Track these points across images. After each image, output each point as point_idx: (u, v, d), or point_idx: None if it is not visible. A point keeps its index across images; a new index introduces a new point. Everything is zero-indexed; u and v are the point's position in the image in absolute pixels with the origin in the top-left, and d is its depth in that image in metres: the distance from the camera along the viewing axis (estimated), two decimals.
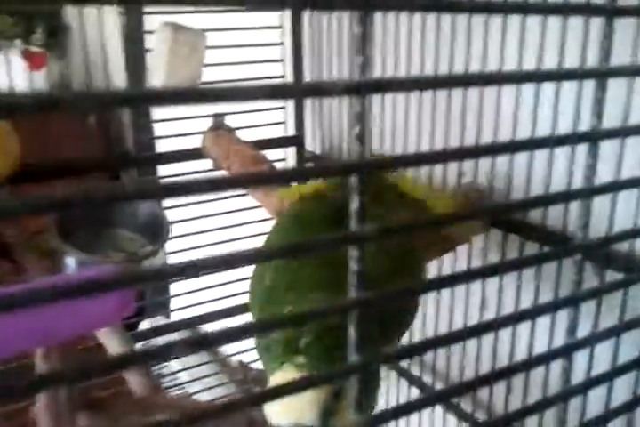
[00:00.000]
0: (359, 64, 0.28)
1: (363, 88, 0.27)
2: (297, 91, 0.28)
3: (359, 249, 0.30)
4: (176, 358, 1.69)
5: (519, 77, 0.37)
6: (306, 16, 1.46)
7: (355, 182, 0.29)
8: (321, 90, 0.27)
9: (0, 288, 0.69)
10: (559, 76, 0.37)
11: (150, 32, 1.32)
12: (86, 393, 1.02)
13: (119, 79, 1.54)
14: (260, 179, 0.27)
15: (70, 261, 1.15)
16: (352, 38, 0.26)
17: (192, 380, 1.77)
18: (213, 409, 0.26)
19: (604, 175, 0.77)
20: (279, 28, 1.43)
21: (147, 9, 1.42)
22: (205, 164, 1.26)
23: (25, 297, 0.22)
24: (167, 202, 1.38)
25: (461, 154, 0.33)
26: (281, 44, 1.45)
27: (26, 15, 2.99)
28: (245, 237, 1.42)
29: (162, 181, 0.25)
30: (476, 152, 0.34)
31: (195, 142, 1.38)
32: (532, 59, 0.90)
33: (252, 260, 0.27)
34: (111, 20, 1.38)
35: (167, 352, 0.26)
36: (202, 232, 1.36)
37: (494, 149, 0.35)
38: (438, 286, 0.34)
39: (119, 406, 0.95)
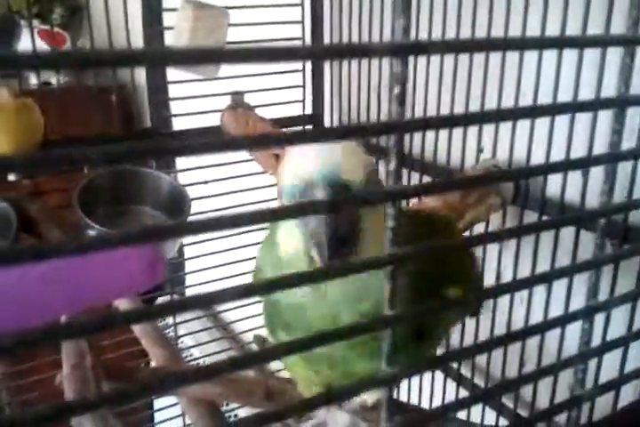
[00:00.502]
0: (401, 26, 0.29)
1: (403, 49, 0.29)
2: (340, 50, 0.29)
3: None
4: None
5: (543, 43, 0.38)
6: None
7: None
8: (365, 50, 0.28)
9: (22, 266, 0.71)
10: (584, 43, 0.38)
11: (170, 10, 1.32)
12: (109, 364, 1.05)
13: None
14: (289, 139, 0.28)
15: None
16: (394, 2, 0.28)
17: (204, 355, 1.80)
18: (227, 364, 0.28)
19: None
20: (299, 5, 1.44)
21: None
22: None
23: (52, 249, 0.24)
24: (186, 179, 1.40)
25: (491, 116, 0.34)
26: (301, 22, 1.45)
27: None
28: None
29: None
30: (502, 116, 0.35)
31: (213, 120, 1.39)
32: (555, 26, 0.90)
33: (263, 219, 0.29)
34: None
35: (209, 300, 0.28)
36: (221, 209, 1.38)
37: (517, 113, 0.37)
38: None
39: (141, 375, 0.97)
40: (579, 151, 0.91)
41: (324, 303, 0.59)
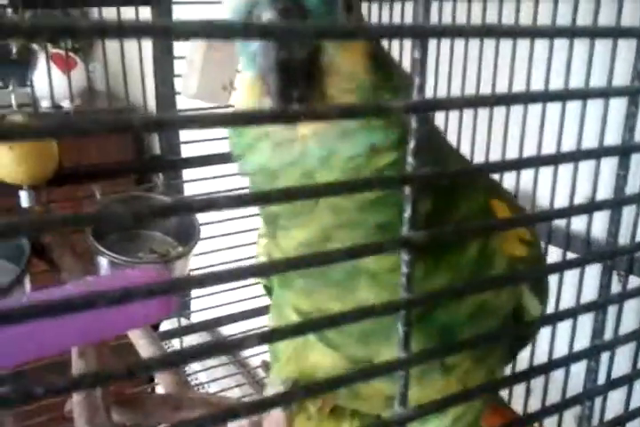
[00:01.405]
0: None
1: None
2: (351, 111, 0.31)
3: (409, 253, 0.33)
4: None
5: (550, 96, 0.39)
6: None
7: (407, 192, 0.32)
8: (383, 107, 0.29)
9: (39, 291, 0.73)
10: (589, 93, 0.40)
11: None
12: (119, 390, 1.06)
13: (149, 82, 1.57)
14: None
15: (103, 262, 1.19)
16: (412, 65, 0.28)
17: (211, 380, 1.80)
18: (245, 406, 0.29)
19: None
20: None
21: (176, 17, 1.47)
22: (229, 168, 1.29)
23: (63, 305, 0.25)
24: None
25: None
26: None
27: (53, 17, 3.05)
28: None
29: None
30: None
31: (220, 147, 1.41)
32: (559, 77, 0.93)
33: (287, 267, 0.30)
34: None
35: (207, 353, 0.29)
36: (229, 234, 1.40)
37: (521, 163, 0.38)
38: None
39: (150, 402, 0.98)
40: (585, 186, 0.92)
41: (294, 160, 0.48)
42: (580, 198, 0.96)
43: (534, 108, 0.99)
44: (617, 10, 0.86)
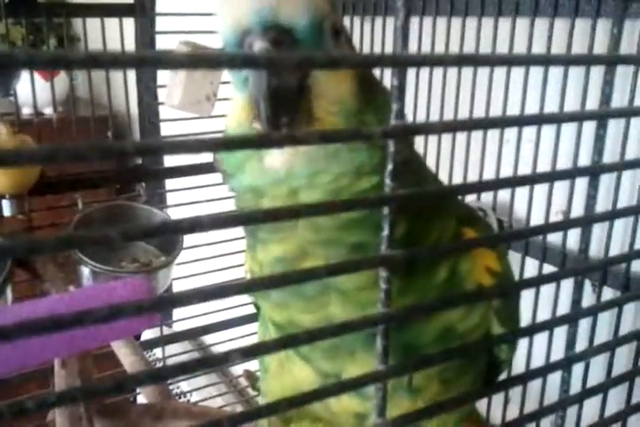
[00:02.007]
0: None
1: (396, 132, 0.32)
2: (332, 134, 0.32)
3: (387, 271, 0.34)
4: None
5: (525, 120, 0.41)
6: None
7: (386, 212, 0.33)
8: (356, 133, 0.31)
9: (24, 304, 0.73)
10: (562, 118, 0.41)
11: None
12: (101, 400, 1.06)
13: (132, 91, 1.58)
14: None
15: (85, 271, 1.19)
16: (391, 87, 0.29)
17: (193, 389, 1.80)
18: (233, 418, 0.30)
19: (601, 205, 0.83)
20: None
21: (159, 28, 1.48)
22: (211, 178, 1.30)
23: (48, 323, 0.26)
24: (177, 214, 1.42)
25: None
26: None
27: (37, 26, 3.05)
28: None
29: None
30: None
31: (202, 158, 1.42)
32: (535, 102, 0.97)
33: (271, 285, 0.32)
34: (118, 31, 1.43)
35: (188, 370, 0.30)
36: (212, 243, 1.40)
37: (499, 183, 0.40)
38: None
39: (133, 411, 0.98)
40: (560, 196, 0.95)
41: (280, 179, 0.50)
42: (556, 207, 0.99)
43: (511, 130, 1.02)
44: (589, 36, 0.90)
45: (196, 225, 0.28)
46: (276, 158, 0.49)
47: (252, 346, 0.31)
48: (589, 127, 0.91)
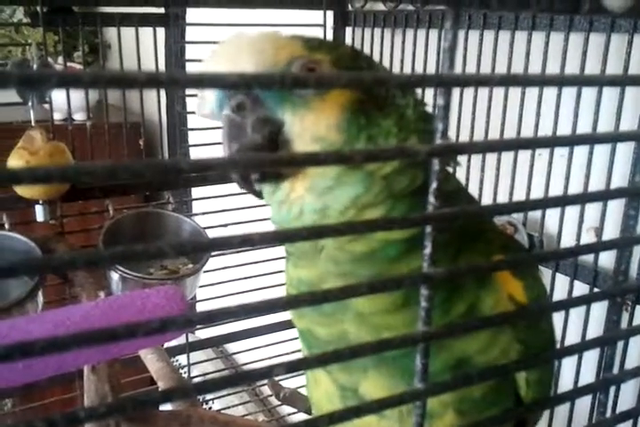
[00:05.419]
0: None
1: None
2: (385, 151, 0.32)
3: (428, 289, 0.34)
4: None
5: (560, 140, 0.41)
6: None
7: (428, 230, 0.34)
8: (401, 151, 0.31)
9: (59, 310, 0.74)
10: (597, 138, 0.41)
11: (194, 60, 1.40)
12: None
13: (164, 98, 1.60)
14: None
15: (114, 276, 1.21)
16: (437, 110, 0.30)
17: (215, 397, 1.81)
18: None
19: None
20: None
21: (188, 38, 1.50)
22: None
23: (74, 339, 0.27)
24: (207, 222, 1.44)
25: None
26: None
27: (68, 33, 3.10)
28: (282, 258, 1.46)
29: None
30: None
31: None
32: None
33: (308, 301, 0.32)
34: (151, 40, 1.45)
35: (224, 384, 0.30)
36: (240, 251, 1.41)
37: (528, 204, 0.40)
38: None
39: (159, 418, 0.99)
40: (592, 214, 0.94)
41: (295, 216, 0.53)
42: (589, 223, 0.98)
43: (542, 150, 1.02)
44: (625, 56, 0.89)
45: (247, 241, 0.28)
46: (287, 197, 0.53)
47: (297, 361, 0.31)
48: (621, 146, 0.91)
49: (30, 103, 1.29)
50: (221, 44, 0.53)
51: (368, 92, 0.53)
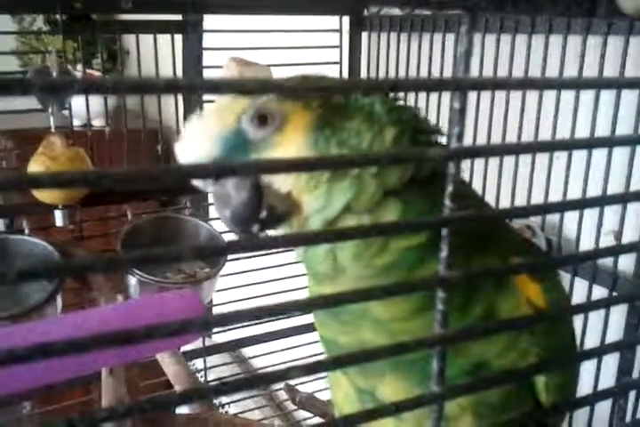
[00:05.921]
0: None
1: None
2: (395, 155, 0.32)
3: (445, 291, 0.34)
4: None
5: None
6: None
7: (445, 233, 0.34)
8: (420, 154, 0.31)
9: (75, 314, 0.75)
10: (615, 141, 0.41)
11: (212, 67, 1.41)
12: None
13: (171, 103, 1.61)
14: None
15: (132, 280, 1.22)
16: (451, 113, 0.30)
17: (231, 401, 1.81)
18: None
19: None
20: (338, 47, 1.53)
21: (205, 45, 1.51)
22: None
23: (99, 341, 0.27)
24: (224, 227, 1.44)
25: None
26: (339, 62, 1.53)
27: (88, 40, 3.14)
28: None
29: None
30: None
31: None
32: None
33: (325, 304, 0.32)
34: (168, 46, 1.47)
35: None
36: (255, 256, 1.41)
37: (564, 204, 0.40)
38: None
39: (177, 422, 0.99)
40: (611, 216, 0.93)
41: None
42: (607, 227, 0.97)
43: (560, 153, 1.01)
44: None
45: (269, 243, 0.29)
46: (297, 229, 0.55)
47: (313, 363, 0.32)
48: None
49: (50, 110, 1.30)
50: (187, 127, 0.59)
51: (325, 105, 0.54)
